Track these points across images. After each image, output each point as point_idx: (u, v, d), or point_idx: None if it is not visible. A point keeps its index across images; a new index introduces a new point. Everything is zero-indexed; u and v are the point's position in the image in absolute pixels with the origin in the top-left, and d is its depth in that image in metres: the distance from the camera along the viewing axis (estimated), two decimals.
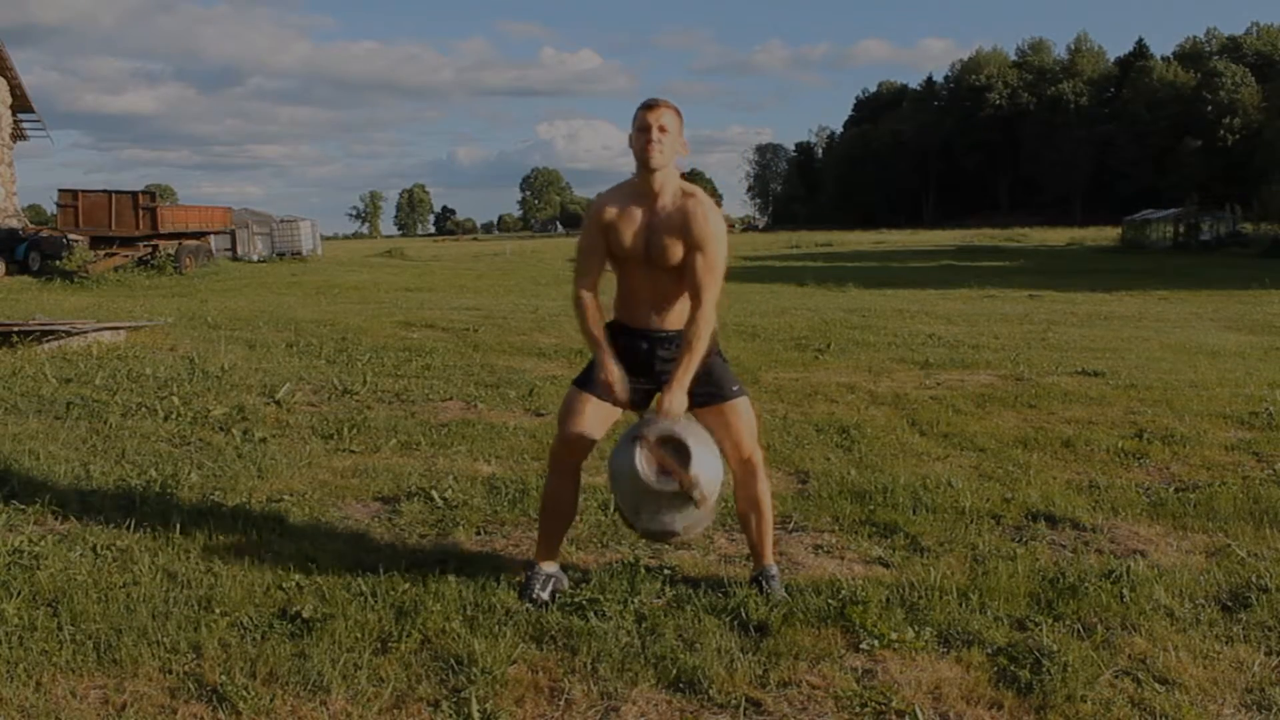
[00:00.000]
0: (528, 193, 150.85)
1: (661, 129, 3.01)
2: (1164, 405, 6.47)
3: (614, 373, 3.08)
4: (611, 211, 3.12)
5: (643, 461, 2.97)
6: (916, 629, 2.94)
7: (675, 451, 2.98)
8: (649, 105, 3.04)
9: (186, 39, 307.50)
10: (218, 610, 3.01)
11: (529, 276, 27.31)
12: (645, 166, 3.04)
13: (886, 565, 3.57)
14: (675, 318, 3.16)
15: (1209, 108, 79.75)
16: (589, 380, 3.19)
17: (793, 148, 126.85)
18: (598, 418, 3.17)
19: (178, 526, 3.76)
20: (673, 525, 3.05)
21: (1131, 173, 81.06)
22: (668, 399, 3.02)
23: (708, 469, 3.00)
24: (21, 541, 3.54)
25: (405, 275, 27.29)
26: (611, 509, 4.04)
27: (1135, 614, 3.08)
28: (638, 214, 3.10)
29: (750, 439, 3.23)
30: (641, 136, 3.02)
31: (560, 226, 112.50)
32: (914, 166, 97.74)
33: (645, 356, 3.16)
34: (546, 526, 3.28)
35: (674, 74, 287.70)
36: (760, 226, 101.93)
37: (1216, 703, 2.59)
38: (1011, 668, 2.74)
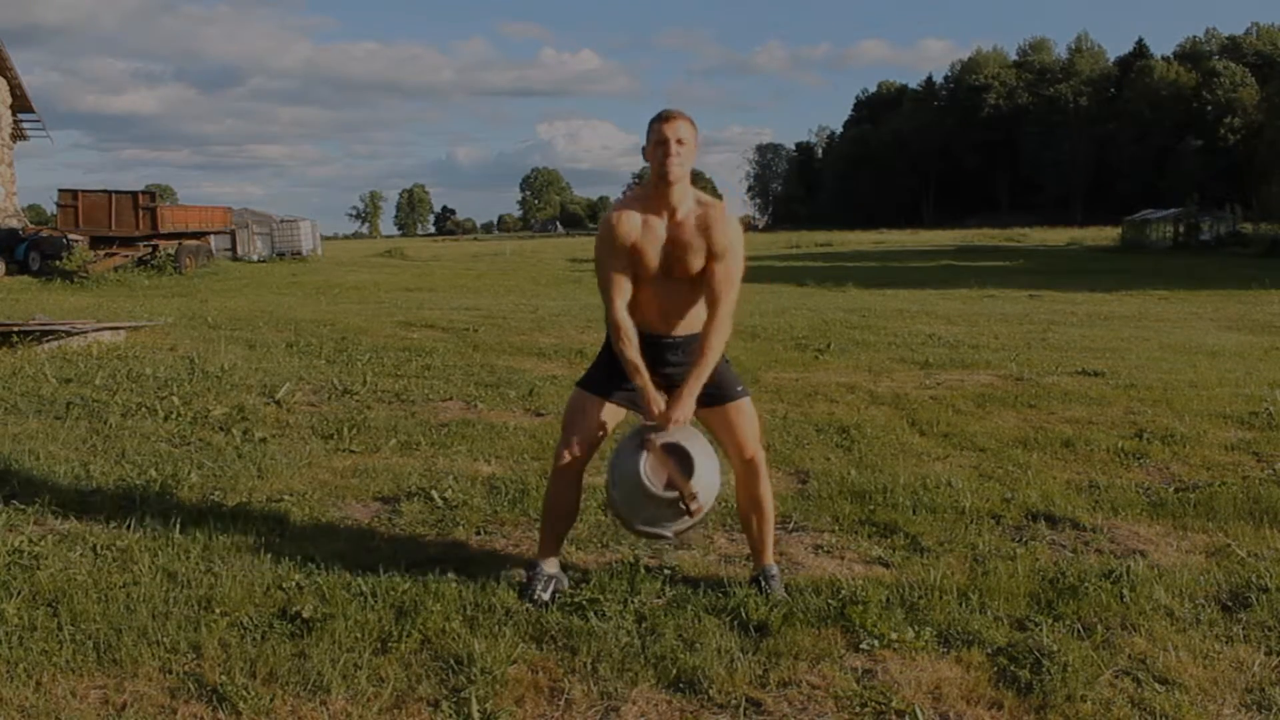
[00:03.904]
0: (528, 193, 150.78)
1: (680, 141, 2.99)
2: (1164, 405, 6.47)
3: (656, 401, 3.06)
4: (633, 232, 3.07)
5: (647, 468, 3.01)
6: (916, 629, 2.94)
7: (679, 460, 3.01)
8: (666, 118, 3.01)
9: (187, 39, 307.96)
10: (218, 610, 3.01)
11: (529, 276, 27.31)
12: (665, 180, 3.02)
13: (886, 565, 3.57)
14: (685, 324, 3.16)
15: (1209, 108, 79.77)
16: (592, 382, 3.20)
17: (793, 148, 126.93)
18: (602, 420, 3.18)
19: (178, 526, 3.76)
20: (666, 530, 3.12)
21: (1131, 173, 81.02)
22: (675, 408, 3.03)
23: (708, 480, 3.06)
24: (21, 541, 3.54)
25: (405, 275, 27.28)
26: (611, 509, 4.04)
27: (1135, 614, 3.08)
28: (658, 229, 3.07)
29: (753, 439, 3.23)
30: (660, 150, 2.99)
31: (560, 226, 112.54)
32: (914, 166, 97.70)
33: (652, 361, 3.14)
34: (549, 527, 3.28)
35: (674, 74, 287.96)
36: (760, 226, 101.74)
37: (1216, 703, 2.59)
38: (1011, 668, 2.74)
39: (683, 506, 3.02)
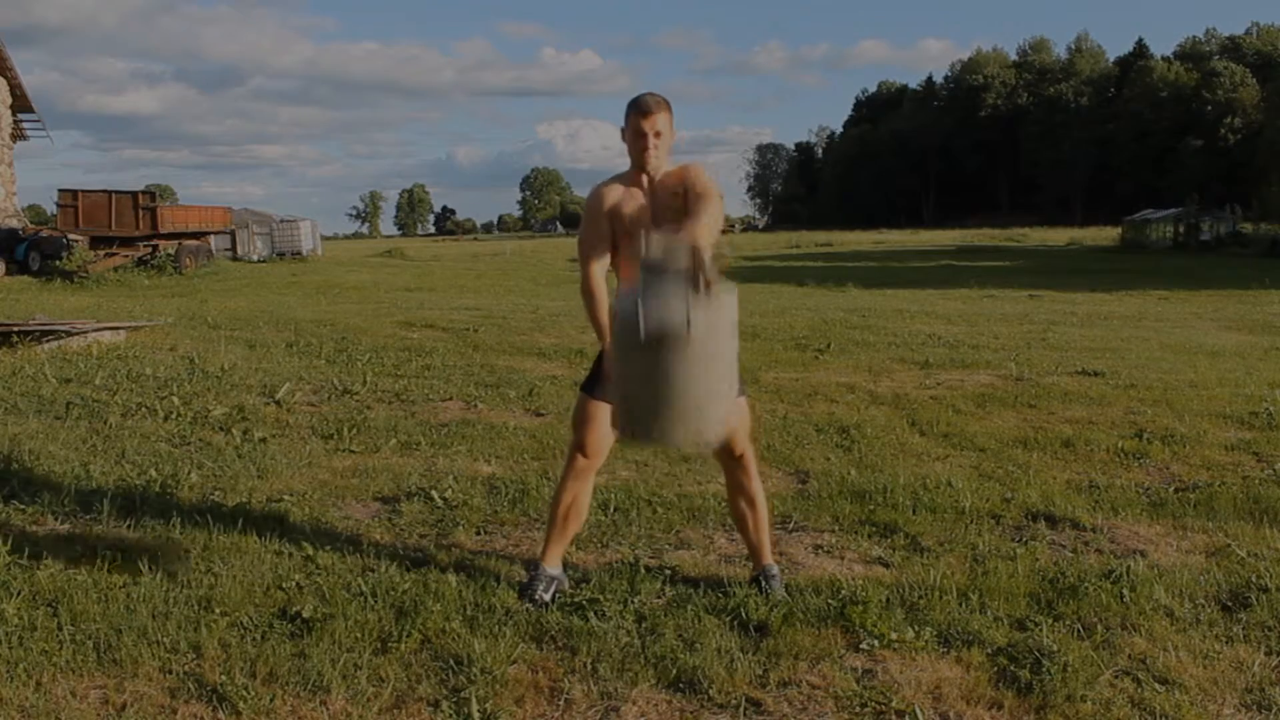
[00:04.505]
0: (528, 193, 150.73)
1: (657, 134, 3.07)
2: (1164, 405, 6.47)
3: None
4: (613, 196, 3.16)
5: (651, 241, 2.62)
6: (916, 629, 2.94)
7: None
8: (643, 112, 3.07)
9: (188, 39, 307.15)
10: (218, 610, 3.01)
11: (529, 276, 27.31)
12: (643, 171, 3.12)
13: (886, 565, 3.57)
14: None
15: (1209, 107, 79.73)
16: (596, 384, 3.19)
17: (793, 148, 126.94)
18: (610, 422, 3.17)
19: (178, 526, 3.76)
20: (679, 314, 2.59)
21: (1131, 173, 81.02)
22: (688, 226, 2.74)
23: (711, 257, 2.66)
24: (21, 541, 3.54)
25: (405, 275, 27.28)
26: (612, 509, 4.04)
27: (1135, 614, 3.08)
28: (638, 193, 3.16)
29: (744, 437, 3.23)
30: (639, 142, 3.07)
31: (560, 226, 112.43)
32: (914, 166, 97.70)
33: None
34: (556, 530, 3.27)
35: (674, 74, 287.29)
36: (760, 226, 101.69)
37: (1216, 703, 2.59)
38: (1011, 668, 2.74)
39: (695, 275, 2.57)
